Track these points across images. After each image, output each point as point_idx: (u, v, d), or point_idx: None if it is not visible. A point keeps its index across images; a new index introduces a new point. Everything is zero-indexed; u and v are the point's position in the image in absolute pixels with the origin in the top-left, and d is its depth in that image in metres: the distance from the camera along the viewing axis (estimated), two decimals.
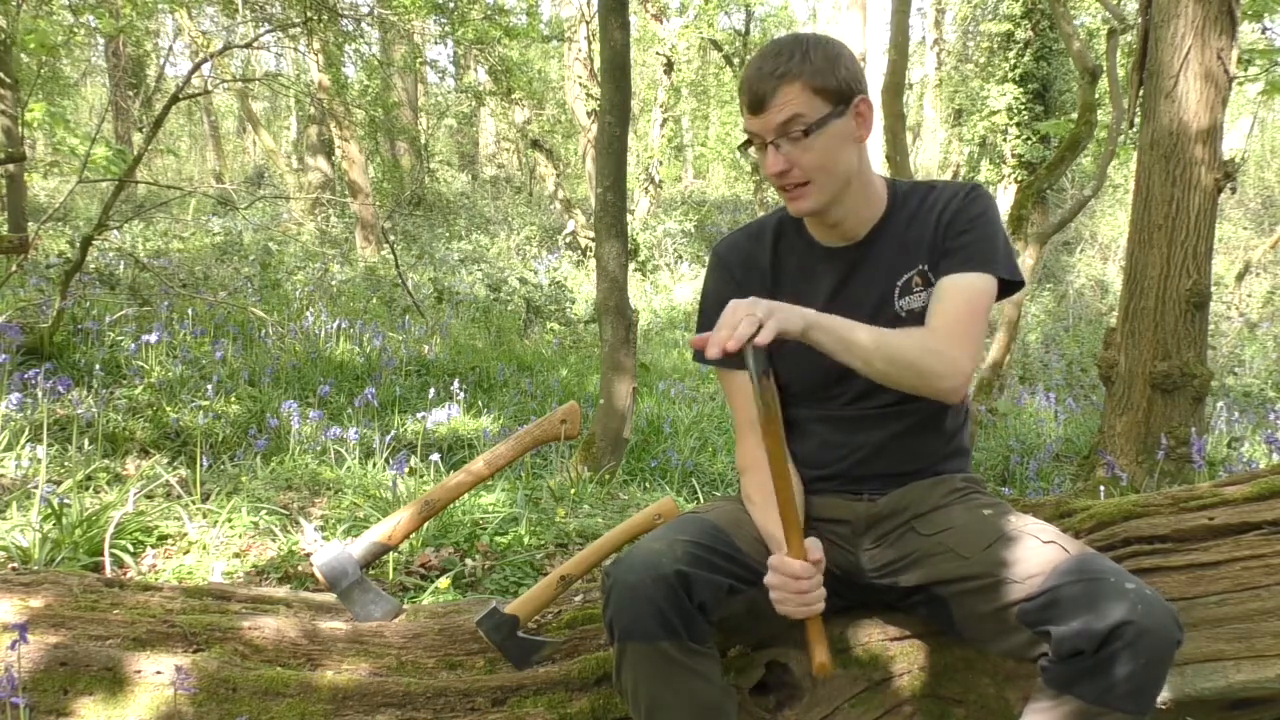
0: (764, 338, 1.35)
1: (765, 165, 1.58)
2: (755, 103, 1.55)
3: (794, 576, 1.47)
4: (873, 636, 1.71)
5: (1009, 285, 1.64)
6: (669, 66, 15.93)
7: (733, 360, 1.39)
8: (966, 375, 1.55)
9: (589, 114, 13.37)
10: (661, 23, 15.75)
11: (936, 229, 1.65)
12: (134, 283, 7.08)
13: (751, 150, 1.62)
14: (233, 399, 5.00)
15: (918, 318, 1.64)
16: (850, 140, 1.59)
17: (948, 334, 1.55)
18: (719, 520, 1.61)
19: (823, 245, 1.71)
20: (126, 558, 2.75)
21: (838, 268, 1.69)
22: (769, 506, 1.56)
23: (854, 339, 1.47)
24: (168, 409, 4.55)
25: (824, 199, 1.60)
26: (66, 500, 2.85)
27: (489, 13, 10.58)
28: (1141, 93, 4.58)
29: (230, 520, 3.03)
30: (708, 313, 1.76)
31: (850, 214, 1.66)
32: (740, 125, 1.66)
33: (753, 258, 1.75)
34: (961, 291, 1.59)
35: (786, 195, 1.61)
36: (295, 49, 12.26)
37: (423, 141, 17.52)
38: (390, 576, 2.70)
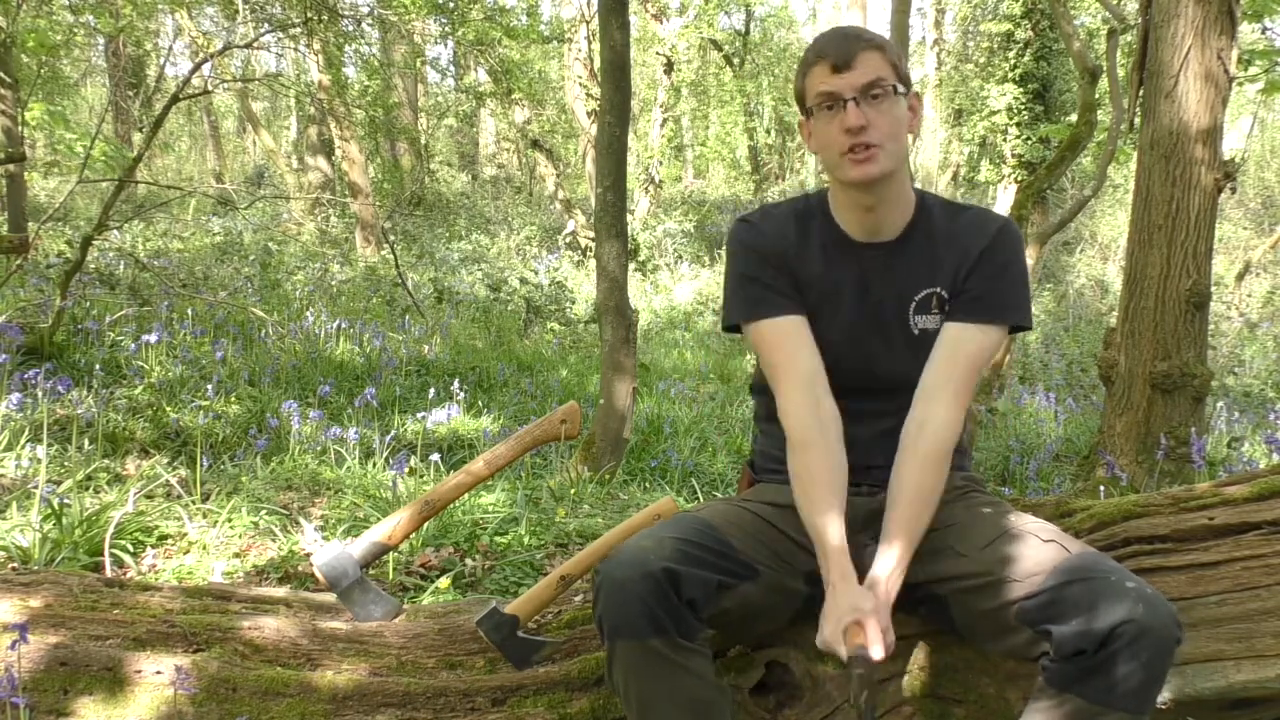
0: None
1: (840, 123, 1.59)
2: (842, 61, 1.58)
3: None
4: None
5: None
6: (669, 66, 15.92)
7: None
8: (959, 426, 1.65)
9: (589, 114, 13.37)
10: (661, 23, 15.74)
11: (963, 261, 1.68)
12: (134, 283, 7.09)
13: (811, 122, 1.64)
14: (233, 399, 5.00)
15: (931, 339, 1.69)
16: (907, 125, 1.64)
17: (948, 394, 1.64)
18: (711, 518, 1.61)
19: (851, 237, 1.71)
20: (126, 558, 2.75)
21: (863, 264, 1.71)
22: (825, 499, 1.58)
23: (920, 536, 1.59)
24: (168, 409, 4.55)
25: (890, 165, 1.61)
26: (66, 500, 2.85)
27: (489, 13, 10.57)
28: (1141, 93, 4.58)
29: (230, 520, 3.03)
30: (738, 277, 1.74)
31: (890, 204, 1.68)
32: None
33: (785, 227, 1.74)
34: (969, 349, 1.67)
35: (854, 158, 1.60)
36: (295, 49, 12.26)
37: (423, 141, 17.52)
38: (390, 576, 2.70)
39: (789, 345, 1.68)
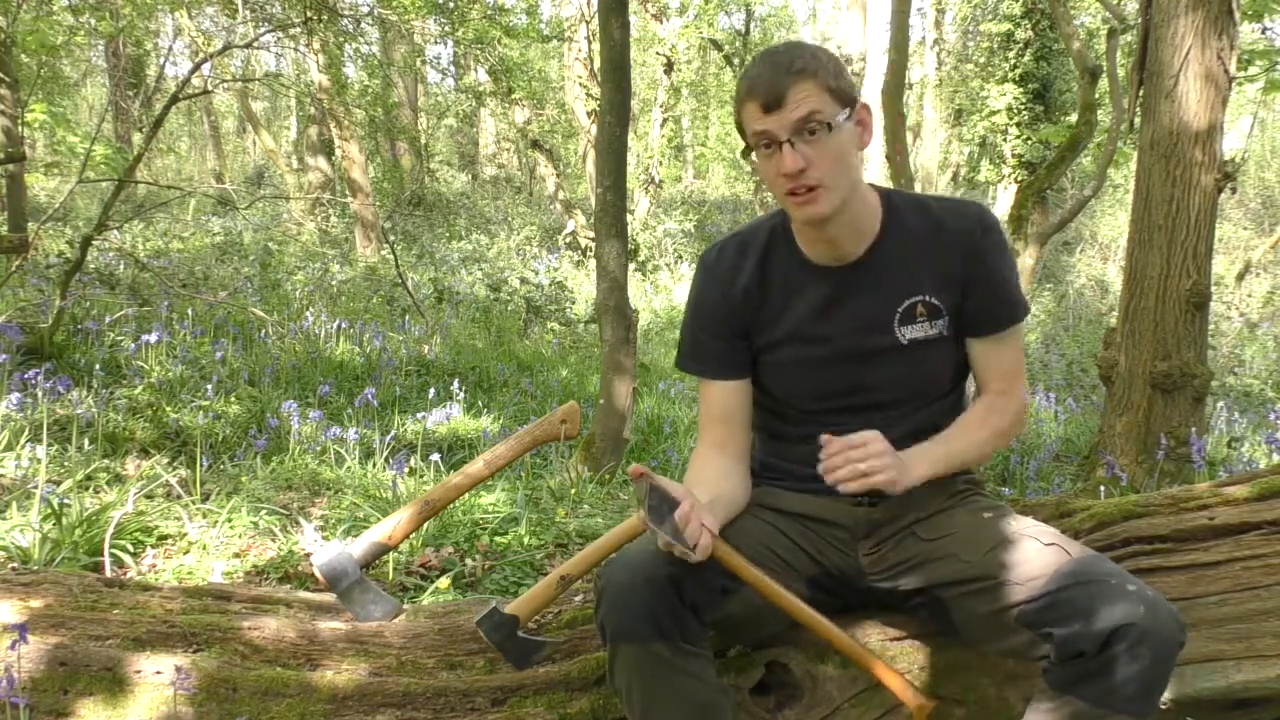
0: (881, 480, 1.49)
1: (777, 166, 1.50)
2: (772, 100, 1.48)
3: None
4: (872, 636, 1.71)
5: None
6: (669, 66, 15.90)
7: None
8: (1026, 409, 1.74)
9: (589, 114, 13.36)
10: (661, 23, 15.72)
11: (949, 266, 1.63)
12: (134, 283, 7.09)
13: (754, 156, 1.55)
14: (233, 399, 5.00)
15: (922, 347, 1.64)
16: (855, 146, 1.55)
17: (1012, 391, 1.70)
18: None
19: (814, 263, 1.65)
20: (126, 558, 2.75)
21: (830, 284, 1.65)
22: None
23: (960, 464, 1.66)
24: (168, 409, 4.54)
25: (836, 202, 1.53)
26: (66, 500, 2.85)
27: (489, 12, 10.58)
28: (1141, 93, 4.58)
29: (230, 520, 3.03)
30: (690, 324, 1.74)
31: (847, 228, 1.60)
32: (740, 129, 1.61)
33: (740, 268, 1.69)
34: (1012, 350, 1.71)
35: (796, 200, 1.52)
36: (295, 49, 12.26)
37: (423, 141, 17.52)
38: (390, 576, 2.70)
39: (714, 410, 1.73)
